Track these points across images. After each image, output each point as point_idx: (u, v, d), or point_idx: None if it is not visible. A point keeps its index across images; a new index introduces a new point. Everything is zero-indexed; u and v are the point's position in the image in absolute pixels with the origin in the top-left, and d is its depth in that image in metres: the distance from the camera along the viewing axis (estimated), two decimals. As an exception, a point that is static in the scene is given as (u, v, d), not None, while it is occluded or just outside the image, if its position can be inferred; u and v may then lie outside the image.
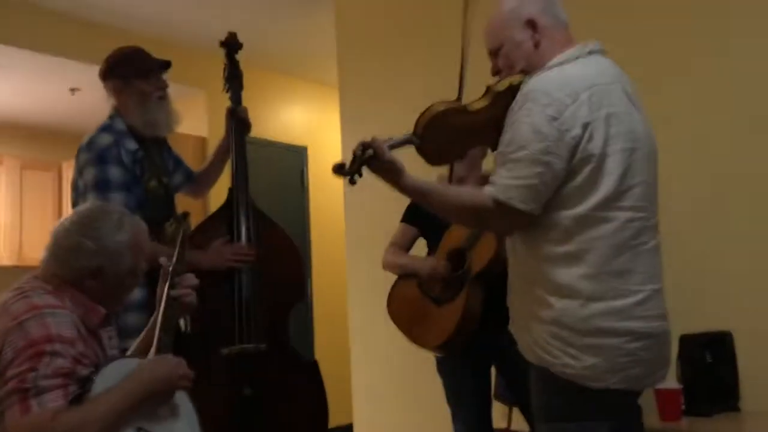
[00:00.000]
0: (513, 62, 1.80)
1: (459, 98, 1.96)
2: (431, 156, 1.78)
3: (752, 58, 2.73)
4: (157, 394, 1.65)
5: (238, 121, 2.77)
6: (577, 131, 1.61)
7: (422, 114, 1.74)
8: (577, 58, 1.73)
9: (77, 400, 1.53)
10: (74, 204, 2.48)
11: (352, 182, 1.68)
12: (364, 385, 3.90)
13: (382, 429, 3.80)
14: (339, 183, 4.76)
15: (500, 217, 1.66)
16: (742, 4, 2.79)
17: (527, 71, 1.77)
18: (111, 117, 2.56)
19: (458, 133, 1.78)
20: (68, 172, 5.77)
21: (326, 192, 5.78)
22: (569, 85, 1.64)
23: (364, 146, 1.66)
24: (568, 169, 1.62)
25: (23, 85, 4.96)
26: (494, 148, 1.82)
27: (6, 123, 5.80)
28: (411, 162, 1.79)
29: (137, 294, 2.26)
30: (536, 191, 1.61)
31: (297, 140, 5.75)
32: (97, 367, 1.61)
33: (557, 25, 1.80)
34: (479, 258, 2.44)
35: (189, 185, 2.86)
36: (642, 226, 1.66)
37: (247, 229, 2.67)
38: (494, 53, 1.85)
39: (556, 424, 1.69)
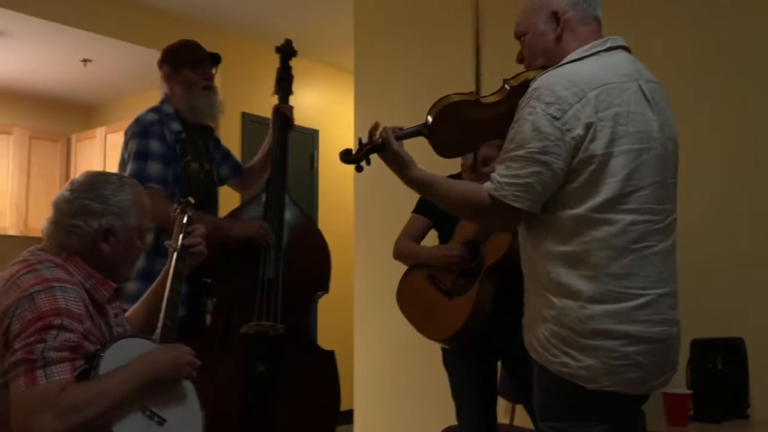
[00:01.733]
0: (534, 52, 1.79)
1: (477, 90, 1.94)
2: (441, 147, 1.78)
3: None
4: (163, 379, 1.64)
5: (282, 117, 2.91)
6: (578, 131, 1.59)
7: (434, 105, 1.73)
8: (594, 53, 1.70)
9: (83, 375, 1.51)
10: None
11: (359, 169, 1.70)
12: (367, 372, 3.88)
13: (382, 417, 3.79)
14: (349, 168, 4.76)
15: (493, 213, 1.68)
16: None
17: (546, 65, 1.74)
18: (161, 101, 2.74)
19: (470, 125, 1.77)
20: (77, 144, 5.77)
21: (336, 176, 5.75)
22: (577, 84, 1.62)
23: (372, 134, 1.68)
24: (570, 169, 1.61)
25: (34, 54, 4.91)
26: None
27: (16, 92, 5.77)
28: (425, 153, 1.79)
29: (147, 264, 2.41)
30: (532, 190, 1.61)
31: (308, 123, 5.70)
32: (103, 345, 1.59)
33: (585, 20, 1.76)
34: (493, 251, 2.41)
35: (237, 179, 2.99)
36: (648, 230, 1.64)
37: (277, 214, 2.77)
38: (519, 39, 1.84)
39: (552, 423, 1.69)
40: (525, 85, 1.72)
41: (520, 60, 1.85)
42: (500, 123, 1.74)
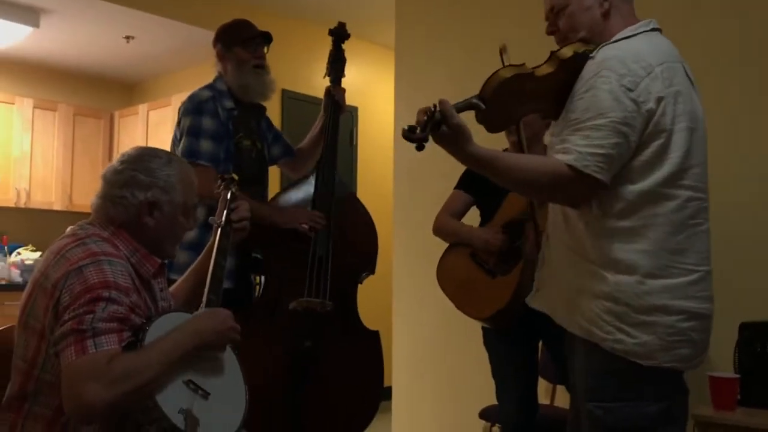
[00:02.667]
0: (576, 26, 1.76)
1: (501, 62, 1.89)
2: (493, 122, 1.72)
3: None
4: (207, 345, 1.64)
5: (333, 100, 2.93)
6: (651, 105, 1.59)
7: (490, 78, 1.66)
8: (642, 33, 1.71)
9: (129, 347, 1.53)
10: None
11: (420, 148, 1.58)
12: (405, 349, 3.89)
13: (421, 395, 3.80)
14: (388, 145, 4.72)
15: (574, 187, 1.62)
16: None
17: (587, 39, 1.73)
18: (215, 79, 2.77)
19: (522, 98, 1.73)
20: (120, 121, 5.85)
21: (375, 153, 5.75)
22: (644, 59, 1.62)
23: (434, 108, 1.59)
24: (639, 142, 1.61)
25: (78, 31, 4.97)
26: (548, 115, 1.82)
27: (60, 70, 5.87)
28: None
29: (196, 234, 2.44)
30: (612, 161, 1.59)
31: (348, 100, 5.65)
32: (149, 318, 1.61)
33: None
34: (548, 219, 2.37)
35: (288, 160, 3.01)
36: (699, 207, 1.66)
37: (326, 196, 2.78)
38: (556, 12, 1.79)
39: (603, 404, 1.66)
40: (574, 57, 1.70)
41: (552, 32, 1.82)
42: (551, 95, 1.72)
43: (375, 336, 2.83)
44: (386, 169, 4.58)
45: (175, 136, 2.69)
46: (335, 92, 2.94)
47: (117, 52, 5.37)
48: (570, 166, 1.59)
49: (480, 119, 1.68)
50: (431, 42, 3.90)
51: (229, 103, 2.69)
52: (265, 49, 2.82)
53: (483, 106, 1.65)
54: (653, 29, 1.73)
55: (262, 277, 2.76)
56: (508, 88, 1.66)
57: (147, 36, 4.99)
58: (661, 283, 1.60)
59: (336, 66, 3.00)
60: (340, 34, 3.02)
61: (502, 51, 2.10)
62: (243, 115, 2.74)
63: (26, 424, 1.55)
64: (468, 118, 1.67)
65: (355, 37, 5.61)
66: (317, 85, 5.22)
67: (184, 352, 1.57)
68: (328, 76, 3.00)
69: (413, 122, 1.59)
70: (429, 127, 1.56)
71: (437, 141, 1.61)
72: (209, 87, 2.72)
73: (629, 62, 1.60)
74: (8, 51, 5.36)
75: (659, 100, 1.60)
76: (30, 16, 4.58)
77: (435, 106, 1.58)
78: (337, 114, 2.93)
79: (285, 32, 5.06)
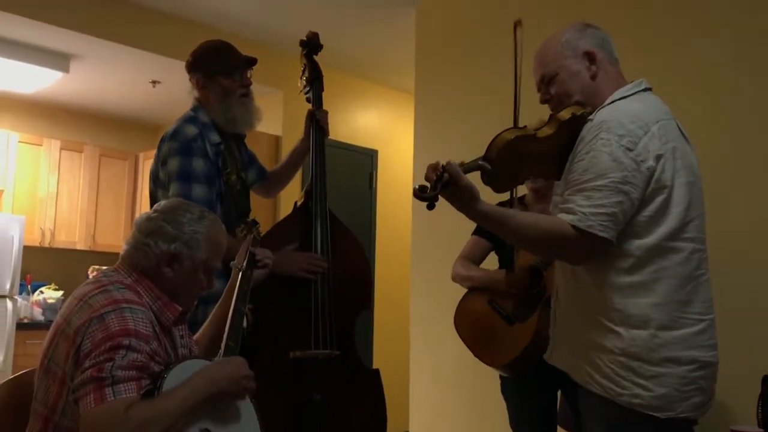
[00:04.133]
0: (568, 90, 1.84)
1: (515, 125, 1.92)
2: (499, 182, 1.77)
3: None
4: (222, 393, 1.65)
5: (318, 126, 2.72)
6: (651, 163, 1.66)
7: (494, 140, 1.73)
8: (636, 93, 1.79)
9: (148, 395, 1.54)
10: (152, 194, 2.48)
11: (431, 207, 1.64)
12: (423, 394, 3.86)
13: (437, 442, 3.75)
14: (407, 188, 4.74)
15: (579, 246, 1.67)
16: None
17: (581, 102, 1.81)
18: (194, 109, 2.52)
19: (525, 160, 1.78)
20: (145, 162, 5.95)
21: (394, 196, 5.78)
22: (640, 118, 1.70)
23: (442, 170, 1.64)
24: (642, 199, 1.67)
25: (106, 76, 5.11)
26: (549, 176, 1.89)
27: (88, 112, 6.02)
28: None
29: (218, 286, 2.21)
30: (615, 219, 1.65)
31: (368, 143, 5.75)
32: (167, 366, 1.62)
33: (611, 61, 1.87)
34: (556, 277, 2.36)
35: (262, 184, 2.82)
36: (701, 258, 1.73)
37: (323, 236, 2.59)
38: (547, 82, 1.88)
39: None
40: (573, 120, 1.77)
41: (545, 101, 1.90)
42: (550, 157, 1.79)
43: (376, 375, 2.70)
44: (405, 212, 4.60)
45: (155, 173, 2.45)
46: (319, 116, 2.71)
47: (143, 96, 5.50)
48: (574, 226, 1.65)
49: (486, 181, 1.73)
50: (450, 87, 3.95)
51: (215, 138, 2.45)
52: (249, 74, 2.58)
53: (489, 167, 1.70)
54: (645, 89, 1.82)
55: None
56: (512, 149, 1.72)
57: (172, 80, 5.10)
58: (673, 335, 1.64)
59: (315, 84, 2.75)
60: (312, 45, 2.77)
61: (516, 25, 2.05)
62: (227, 146, 2.52)
63: (44, 470, 1.56)
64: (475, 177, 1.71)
65: (374, 81, 5.75)
66: (340, 128, 5.30)
67: (201, 400, 1.58)
68: (306, 95, 2.76)
69: (430, 168, 1.66)
70: (439, 188, 1.62)
71: (447, 199, 1.68)
72: (192, 120, 2.45)
73: (627, 123, 1.67)
74: (38, 94, 5.51)
75: (658, 157, 1.67)
76: (60, 61, 4.72)
77: (443, 166, 1.64)
78: (323, 140, 2.71)
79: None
